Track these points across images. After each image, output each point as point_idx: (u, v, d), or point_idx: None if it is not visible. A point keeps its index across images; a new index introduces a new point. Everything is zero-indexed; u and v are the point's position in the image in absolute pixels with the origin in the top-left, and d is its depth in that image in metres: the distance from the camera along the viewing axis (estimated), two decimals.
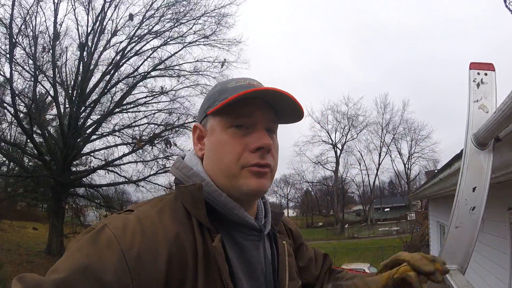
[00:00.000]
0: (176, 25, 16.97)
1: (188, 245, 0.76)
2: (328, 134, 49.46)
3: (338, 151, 48.73)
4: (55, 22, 14.63)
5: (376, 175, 50.60)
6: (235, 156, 0.85)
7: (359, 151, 51.47)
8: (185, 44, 17.40)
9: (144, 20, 16.57)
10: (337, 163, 48.71)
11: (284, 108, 0.92)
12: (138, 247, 0.69)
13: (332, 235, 41.31)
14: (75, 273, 0.62)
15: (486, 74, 1.00)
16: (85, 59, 15.63)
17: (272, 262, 0.95)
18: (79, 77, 15.52)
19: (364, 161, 51.46)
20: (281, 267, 0.97)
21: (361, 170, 52.01)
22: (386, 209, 55.57)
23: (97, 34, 16.11)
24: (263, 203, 1.04)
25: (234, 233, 0.87)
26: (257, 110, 0.88)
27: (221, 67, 17.43)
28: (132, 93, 17.16)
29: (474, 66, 1.02)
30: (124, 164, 16.28)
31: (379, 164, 49.17)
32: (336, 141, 48.31)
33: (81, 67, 15.65)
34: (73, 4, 15.17)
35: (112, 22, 16.37)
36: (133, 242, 0.70)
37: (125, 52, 16.70)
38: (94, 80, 16.29)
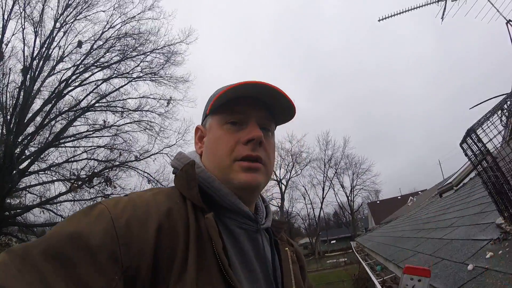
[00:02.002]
0: (123, 59, 16.52)
1: (181, 220, 0.76)
2: (274, 171, 50.35)
3: (283, 187, 50.65)
4: (0, 41, 13.86)
5: (320, 208, 52.59)
6: (228, 149, 0.90)
7: (303, 186, 53.96)
8: (131, 78, 16.96)
9: (92, 50, 15.92)
10: (282, 198, 50.07)
11: (276, 105, 0.97)
12: (127, 216, 0.70)
13: None
14: (63, 238, 0.63)
15: (419, 280, 1.00)
16: (27, 84, 14.59)
17: (273, 265, 0.95)
18: (19, 104, 14.35)
19: (309, 195, 53.63)
20: (285, 273, 0.97)
21: (306, 204, 54.28)
22: (332, 241, 57.85)
23: (43, 59, 15.15)
24: (264, 206, 1.07)
25: (227, 220, 0.88)
26: (250, 108, 0.94)
27: (167, 105, 17.05)
28: (73, 124, 16.04)
29: (409, 270, 1.02)
30: (60, 202, 15.08)
31: (323, 197, 51.40)
32: (281, 178, 50.19)
33: (21, 93, 14.47)
34: (22, 23, 14.31)
35: (59, 48, 15.48)
36: (124, 212, 0.71)
37: (69, 81, 15.78)
38: (34, 108, 15.09)
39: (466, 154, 2.12)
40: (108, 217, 0.69)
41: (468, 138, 1.80)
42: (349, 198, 53.05)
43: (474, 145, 1.77)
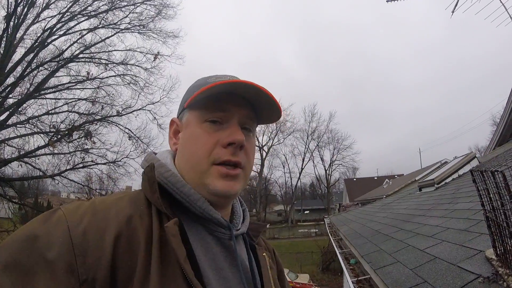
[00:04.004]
0: (112, 8, 15.63)
1: (142, 228, 0.71)
2: (256, 136, 51.57)
3: (264, 154, 51.18)
4: None
5: (298, 178, 53.85)
6: (206, 150, 0.84)
7: (284, 155, 54.81)
8: (119, 30, 16.15)
9: None
10: (262, 165, 51.05)
11: (261, 106, 0.90)
12: (85, 224, 0.66)
13: None
14: (20, 248, 0.61)
15: None
16: (10, 32, 13.76)
17: (252, 272, 0.90)
18: (0, 53, 13.53)
19: (288, 164, 54.81)
20: (265, 281, 0.93)
21: (284, 172, 55.61)
22: (306, 211, 58.88)
23: (28, 5, 14.15)
24: (242, 210, 1.01)
25: (198, 227, 0.83)
26: (234, 106, 0.87)
27: (154, 60, 16.23)
28: (55, 75, 15.23)
29: None
30: (39, 156, 14.65)
31: (302, 168, 52.64)
32: (263, 144, 50.87)
33: (3, 42, 13.67)
34: None
35: None
36: (82, 220, 0.67)
37: (54, 30, 14.91)
38: (15, 58, 14.20)
39: (474, 181, 1.98)
40: (65, 226, 0.65)
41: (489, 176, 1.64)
42: (327, 172, 54.14)
43: (493, 184, 1.61)
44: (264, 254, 1.00)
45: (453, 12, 10.54)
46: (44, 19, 14.84)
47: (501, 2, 9.81)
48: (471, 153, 8.85)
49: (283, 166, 56.00)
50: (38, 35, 14.62)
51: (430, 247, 2.96)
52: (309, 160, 53.40)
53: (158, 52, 16.47)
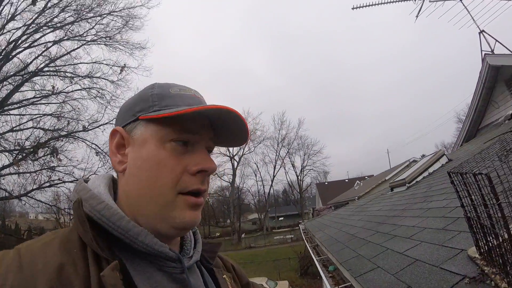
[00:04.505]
0: (78, 20, 15.20)
1: (78, 279, 0.60)
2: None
3: (235, 163, 51.13)
4: None
5: (271, 186, 54.18)
6: (173, 178, 0.72)
7: (255, 163, 54.98)
8: (85, 42, 15.73)
9: (46, 9, 14.36)
10: (234, 174, 51.11)
11: (229, 131, 0.83)
12: (11, 284, 0.56)
13: (230, 246, 42.44)
14: None
15: None
16: None
17: None
18: None
19: (260, 173, 55.13)
20: None
21: (256, 181, 55.82)
22: (280, 218, 59.25)
23: None
24: (192, 233, 0.92)
25: (145, 265, 0.71)
26: (202, 128, 0.78)
27: (120, 72, 15.98)
28: (20, 90, 14.60)
29: None
30: (4, 175, 13.90)
31: (274, 175, 53.08)
32: (234, 154, 50.88)
33: None
34: None
35: (11, 5, 13.94)
36: (6, 278, 0.57)
37: (18, 42, 14.41)
38: None
39: (452, 182, 1.91)
40: None
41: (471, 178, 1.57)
42: (299, 177, 54.90)
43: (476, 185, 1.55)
44: (224, 276, 0.93)
45: (417, 16, 11.00)
46: (9, 31, 14.34)
47: (462, 4, 10.31)
48: (440, 150, 8.98)
49: (255, 175, 56.23)
50: (3, 47, 14.10)
51: (409, 249, 2.87)
52: (280, 167, 54.03)
53: (125, 64, 16.24)
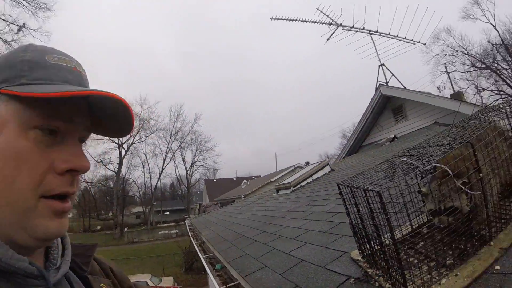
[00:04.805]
0: None
1: None
2: None
3: (123, 152, 48.33)
4: None
5: (158, 179, 52.22)
6: (35, 178, 0.56)
7: (144, 154, 52.53)
8: None
9: None
10: (120, 164, 48.13)
11: (111, 121, 0.69)
12: None
13: (111, 240, 40.09)
14: None
15: None
16: None
17: None
18: None
19: (149, 164, 52.89)
20: None
21: (144, 172, 53.11)
22: (166, 212, 57.70)
23: None
24: (60, 238, 0.73)
25: (1, 284, 0.55)
26: (78, 115, 0.63)
27: (17, 32, 14.21)
28: None
29: None
30: None
31: (163, 168, 51.15)
32: (123, 142, 47.87)
33: None
34: None
35: None
36: None
37: None
38: None
39: (340, 194, 1.97)
40: None
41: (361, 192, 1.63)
42: (188, 172, 53.69)
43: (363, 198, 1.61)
44: (102, 285, 0.78)
45: (327, 40, 11.75)
46: None
47: (371, 38, 11.35)
48: (324, 160, 9.68)
49: (143, 166, 53.33)
50: None
51: (295, 250, 2.94)
52: (170, 160, 52.44)
53: (24, 24, 14.19)
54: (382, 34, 11.55)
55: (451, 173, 1.56)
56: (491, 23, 34.54)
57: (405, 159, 1.84)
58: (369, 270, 1.94)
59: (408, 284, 1.50)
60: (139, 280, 15.60)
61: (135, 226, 51.56)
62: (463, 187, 1.56)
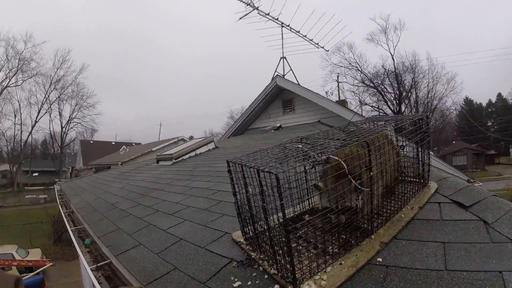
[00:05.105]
0: None
1: None
2: None
3: None
4: None
5: (30, 133, 44.90)
6: None
7: (18, 101, 44.65)
8: None
9: None
10: None
11: None
12: None
13: None
14: None
15: None
16: None
17: None
18: None
19: (21, 114, 45.40)
20: None
21: (15, 123, 44.61)
22: (35, 174, 50.99)
23: None
24: None
25: None
26: None
27: None
28: None
29: None
30: None
31: (36, 121, 43.70)
32: None
33: None
34: None
35: None
36: None
37: None
38: None
39: (229, 171, 1.80)
40: None
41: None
42: (64, 129, 47.21)
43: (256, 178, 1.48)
44: None
45: (240, 18, 11.37)
46: None
47: (281, 30, 11.22)
48: (210, 137, 9.65)
49: (15, 116, 44.37)
50: None
51: (173, 227, 2.71)
52: (46, 112, 44.54)
53: None
54: (292, 30, 11.79)
55: (345, 167, 1.53)
56: (390, 52, 39.18)
57: (300, 146, 1.74)
58: (252, 253, 1.81)
59: (295, 271, 1.40)
60: (4, 252, 14.07)
61: (0, 187, 44.01)
62: (359, 187, 1.57)
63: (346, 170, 1.53)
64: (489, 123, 68.45)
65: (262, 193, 1.47)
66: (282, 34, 11.72)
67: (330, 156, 1.57)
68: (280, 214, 1.42)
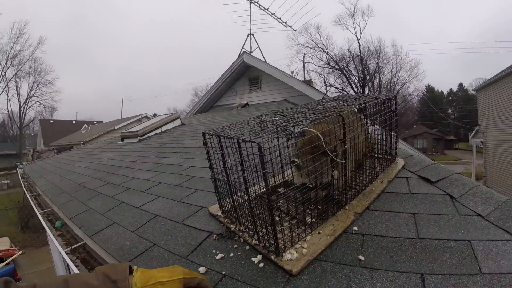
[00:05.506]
0: None
1: None
2: None
3: None
4: None
5: None
6: None
7: None
8: None
9: None
10: None
11: None
12: None
13: None
14: None
15: None
16: None
17: None
18: None
19: None
20: None
21: None
22: None
23: None
24: None
25: None
26: None
27: None
28: None
29: None
30: None
31: None
32: None
33: None
34: None
35: None
36: None
37: None
38: None
39: (205, 144, 1.76)
40: None
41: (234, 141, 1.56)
42: (22, 108, 44.55)
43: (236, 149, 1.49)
44: None
45: None
46: None
47: (249, 7, 10.85)
48: (176, 113, 9.49)
49: None
50: None
51: (146, 204, 2.66)
52: (3, 91, 41.54)
53: None
54: (261, 7, 11.61)
55: (322, 140, 1.55)
56: (356, 36, 39.18)
57: (277, 118, 1.74)
58: (231, 226, 1.81)
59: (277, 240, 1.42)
60: None
61: None
62: (335, 158, 1.59)
63: (323, 143, 1.55)
64: (449, 111, 71.07)
65: (242, 163, 1.46)
66: (250, 10, 11.49)
67: (307, 128, 1.58)
68: (257, 186, 1.45)
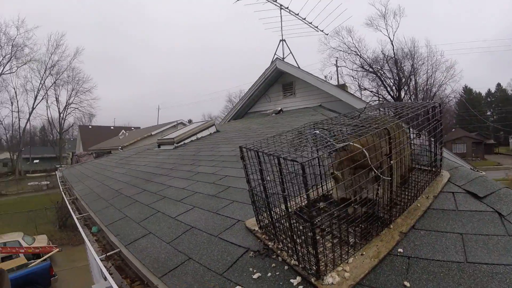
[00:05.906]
0: None
1: None
2: None
3: None
4: None
5: (28, 120, 44.49)
6: None
7: (14, 88, 44.05)
8: None
9: None
10: None
11: None
12: None
13: None
14: None
15: None
16: None
17: None
18: None
19: (18, 102, 44.89)
20: None
21: (12, 111, 44.51)
22: (35, 160, 50.92)
23: None
24: None
25: None
26: None
27: None
28: None
29: None
30: None
31: (33, 108, 43.37)
32: None
33: None
34: None
35: None
36: None
37: None
38: None
39: (242, 158, 1.70)
40: None
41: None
42: (62, 115, 46.51)
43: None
44: None
45: (237, 0, 10.88)
46: None
47: (280, 13, 10.89)
48: (211, 120, 9.51)
49: (12, 103, 44.00)
50: None
51: (182, 214, 2.63)
52: (42, 98, 44.20)
53: None
54: (291, 12, 11.45)
55: (367, 156, 1.45)
56: (389, 38, 38.37)
57: (317, 132, 1.65)
58: (269, 243, 1.74)
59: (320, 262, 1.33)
60: (10, 240, 14.01)
61: (1, 175, 43.87)
62: (380, 175, 1.49)
63: (368, 160, 1.45)
64: (488, 113, 68.24)
65: (282, 182, 1.39)
66: (281, 16, 11.40)
67: (352, 143, 1.49)
68: (297, 200, 1.45)
